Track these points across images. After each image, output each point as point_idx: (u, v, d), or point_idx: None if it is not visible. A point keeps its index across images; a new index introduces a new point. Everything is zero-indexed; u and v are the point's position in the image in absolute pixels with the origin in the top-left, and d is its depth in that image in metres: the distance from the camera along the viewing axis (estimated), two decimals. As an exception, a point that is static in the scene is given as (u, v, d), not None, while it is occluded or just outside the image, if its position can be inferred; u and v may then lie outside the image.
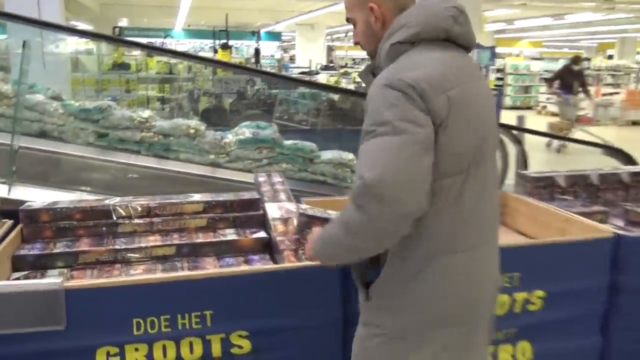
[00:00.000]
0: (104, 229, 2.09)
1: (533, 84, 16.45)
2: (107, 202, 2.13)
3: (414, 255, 1.30)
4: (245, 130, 3.77)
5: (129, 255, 2.00)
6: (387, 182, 1.12)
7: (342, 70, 13.10)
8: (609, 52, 23.90)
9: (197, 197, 2.24)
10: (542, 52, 24.00)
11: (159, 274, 1.64)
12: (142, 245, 2.02)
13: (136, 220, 2.12)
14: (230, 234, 2.16)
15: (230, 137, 3.75)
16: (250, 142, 3.69)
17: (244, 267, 1.81)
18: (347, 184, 4.02)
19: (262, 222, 2.25)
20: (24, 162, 2.76)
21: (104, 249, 1.98)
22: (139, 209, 2.13)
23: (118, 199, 2.21)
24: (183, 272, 1.77)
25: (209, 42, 14.40)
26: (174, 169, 3.48)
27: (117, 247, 2.00)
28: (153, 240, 2.07)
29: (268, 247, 2.14)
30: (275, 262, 2.05)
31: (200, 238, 2.11)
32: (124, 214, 2.11)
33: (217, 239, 2.10)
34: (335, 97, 5.56)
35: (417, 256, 1.29)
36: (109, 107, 3.47)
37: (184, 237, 2.10)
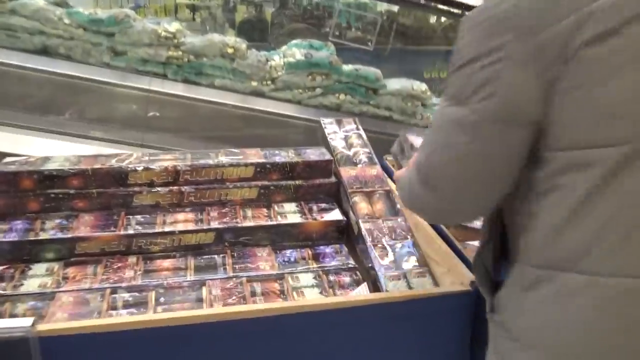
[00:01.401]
0: (113, 200, 1.46)
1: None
2: (116, 161, 1.49)
3: (530, 261, 0.82)
4: (295, 51, 3.02)
5: (148, 243, 1.38)
6: (432, 167, 0.85)
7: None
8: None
9: (244, 155, 1.57)
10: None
11: (189, 312, 1.01)
12: (167, 229, 1.40)
13: (159, 189, 1.48)
14: (291, 214, 1.51)
15: (277, 59, 3.01)
16: (302, 66, 2.95)
17: (328, 300, 1.15)
18: (417, 121, 3.30)
19: (336, 194, 1.59)
20: (15, 89, 2.11)
21: (112, 235, 1.36)
22: (164, 171, 1.48)
23: (134, 155, 1.56)
24: (224, 309, 1.11)
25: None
26: (207, 98, 2.80)
27: (132, 231, 1.38)
28: (183, 220, 1.44)
29: (344, 233, 1.50)
30: (356, 258, 1.42)
31: (250, 218, 1.47)
32: (142, 179, 1.47)
33: (274, 222, 1.46)
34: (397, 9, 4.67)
35: (533, 263, 0.82)
36: (126, 17, 2.74)
37: (226, 217, 1.46)
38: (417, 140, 1.33)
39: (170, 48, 2.83)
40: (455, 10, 3.61)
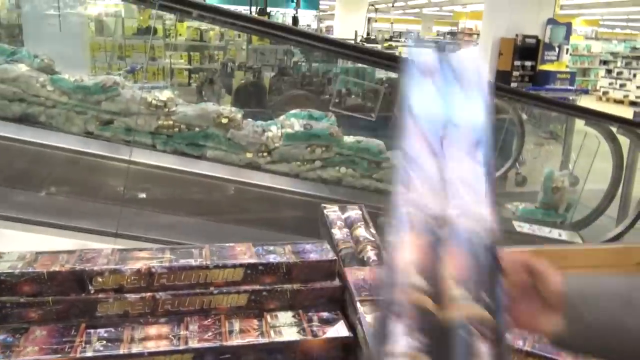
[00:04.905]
0: (72, 309, 1.21)
1: (592, 66, 15.10)
2: (79, 260, 1.25)
3: None
4: (294, 122, 2.86)
5: (110, 369, 1.12)
6: None
7: (386, 44, 12.01)
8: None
9: (232, 252, 1.34)
10: (597, 31, 22.32)
11: None
12: (135, 350, 1.14)
13: (129, 296, 1.23)
14: (287, 327, 1.25)
15: (274, 129, 2.84)
16: (300, 138, 2.78)
17: None
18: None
19: (340, 299, 1.35)
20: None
21: (66, 359, 1.10)
22: (135, 274, 1.24)
23: (102, 251, 1.32)
24: None
25: (242, 9, 13.42)
26: (197, 170, 2.60)
27: (90, 353, 1.12)
28: (156, 336, 1.19)
29: (352, 351, 1.25)
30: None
31: (237, 333, 1.22)
32: (109, 284, 1.23)
33: (266, 340, 1.20)
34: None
35: None
36: (114, 84, 2.58)
37: (208, 332, 1.21)
38: None
39: (161, 117, 2.66)
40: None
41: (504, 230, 2.95)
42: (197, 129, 2.69)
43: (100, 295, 1.22)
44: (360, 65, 5.20)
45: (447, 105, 0.80)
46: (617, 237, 3.27)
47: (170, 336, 1.19)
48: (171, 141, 2.64)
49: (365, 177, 2.93)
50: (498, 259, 0.67)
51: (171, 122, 2.67)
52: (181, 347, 1.16)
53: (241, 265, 1.29)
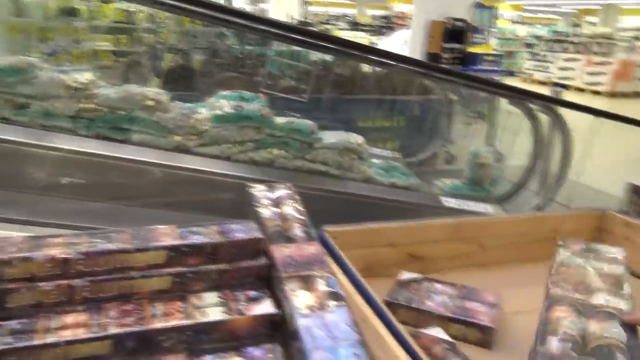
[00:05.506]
0: (-20, 302, 1.14)
1: (518, 49, 15.75)
2: (-14, 250, 1.17)
3: None
4: (224, 103, 2.81)
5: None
6: None
7: (322, 28, 12.01)
8: (589, 19, 23.36)
9: (154, 235, 1.30)
10: (523, 16, 23.29)
11: None
12: (50, 340, 1.09)
13: (42, 285, 1.17)
14: (212, 307, 1.24)
15: (203, 111, 2.78)
16: (231, 119, 2.73)
17: None
18: (353, 176, 3.13)
19: (267, 277, 1.35)
20: None
21: (-28, 353, 1.04)
22: (49, 261, 1.18)
23: (13, 237, 1.25)
24: None
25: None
26: (122, 155, 2.51)
27: (0, 347, 1.06)
28: (73, 324, 1.14)
29: (279, 329, 1.25)
30: (292, 361, 1.16)
31: (159, 317, 1.19)
32: (19, 273, 1.16)
33: (190, 322, 1.18)
34: (329, 59, 4.60)
35: None
36: (29, 66, 2.43)
37: (129, 316, 1.17)
38: None
39: (82, 100, 2.53)
40: (388, 61, 3.54)
41: (433, 206, 3.02)
42: (121, 112, 2.58)
43: (10, 286, 1.15)
44: (295, 48, 5.18)
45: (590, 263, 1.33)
46: (537, 209, 3.45)
47: (88, 324, 1.15)
48: (93, 125, 2.53)
49: (298, 158, 2.93)
50: (630, 323, 1.09)
51: (93, 106, 2.55)
52: (100, 334, 1.12)
53: (164, 247, 1.26)
